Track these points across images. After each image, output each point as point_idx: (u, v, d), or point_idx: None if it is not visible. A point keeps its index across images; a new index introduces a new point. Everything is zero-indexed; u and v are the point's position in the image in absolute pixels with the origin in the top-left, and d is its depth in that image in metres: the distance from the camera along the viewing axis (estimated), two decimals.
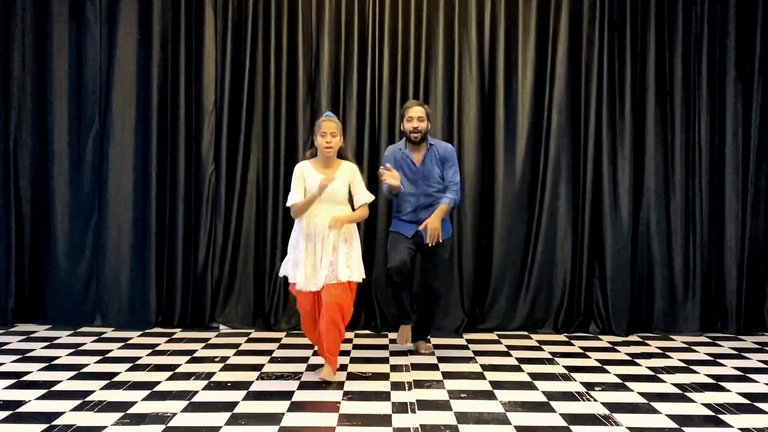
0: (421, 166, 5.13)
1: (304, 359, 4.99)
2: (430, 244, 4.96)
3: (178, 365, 4.81)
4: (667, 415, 3.88)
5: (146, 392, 4.18)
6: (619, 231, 6.03)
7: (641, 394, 4.28)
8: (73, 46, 6.06)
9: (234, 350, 5.26)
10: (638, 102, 6.11)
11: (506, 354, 5.26)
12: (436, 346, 5.42)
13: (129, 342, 5.50)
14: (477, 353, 5.26)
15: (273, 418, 3.75)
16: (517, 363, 4.99)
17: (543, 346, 5.52)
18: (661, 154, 6.10)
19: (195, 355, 5.12)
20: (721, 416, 3.89)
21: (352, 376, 4.57)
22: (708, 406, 4.07)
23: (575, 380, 4.56)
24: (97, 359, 4.96)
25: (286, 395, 4.16)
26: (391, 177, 4.90)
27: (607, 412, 3.93)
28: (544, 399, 4.15)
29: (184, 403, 3.98)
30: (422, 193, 5.10)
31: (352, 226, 4.58)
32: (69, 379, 4.46)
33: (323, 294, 4.42)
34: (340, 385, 4.36)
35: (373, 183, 6.02)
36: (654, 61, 6.07)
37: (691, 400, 4.17)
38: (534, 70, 6.11)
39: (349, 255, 4.49)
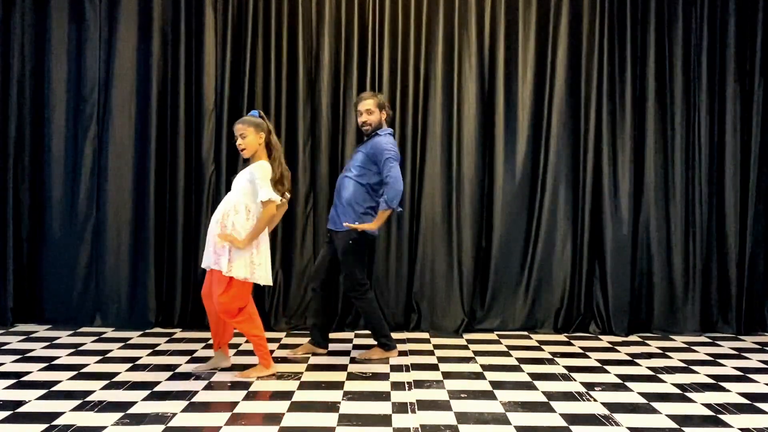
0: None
1: (305, 359, 4.99)
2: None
3: (178, 365, 4.81)
4: (667, 415, 3.88)
5: (146, 392, 4.18)
6: (619, 231, 6.02)
7: (641, 394, 4.27)
8: (73, 47, 6.06)
9: (234, 350, 5.25)
10: (638, 102, 6.10)
11: (506, 354, 5.26)
12: (436, 346, 5.43)
13: (129, 342, 5.50)
14: (477, 353, 5.26)
15: (273, 418, 3.75)
16: (517, 363, 4.99)
17: (543, 346, 5.53)
18: (661, 155, 6.10)
19: (195, 355, 5.12)
20: (721, 416, 3.89)
21: (352, 376, 4.57)
22: (708, 406, 4.07)
23: (575, 380, 4.56)
24: (97, 359, 4.96)
25: (285, 395, 4.16)
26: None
27: (607, 412, 3.93)
28: (544, 399, 4.15)
29: (184, 403, 3.98)
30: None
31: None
32: (69, 379, 4.46)
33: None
34: (340, 385, 4.36)
35: None
36: (654, 61, 6.07)
37: (691, 400, 4.17)
38: (534, 70, 6.11)
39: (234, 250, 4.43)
